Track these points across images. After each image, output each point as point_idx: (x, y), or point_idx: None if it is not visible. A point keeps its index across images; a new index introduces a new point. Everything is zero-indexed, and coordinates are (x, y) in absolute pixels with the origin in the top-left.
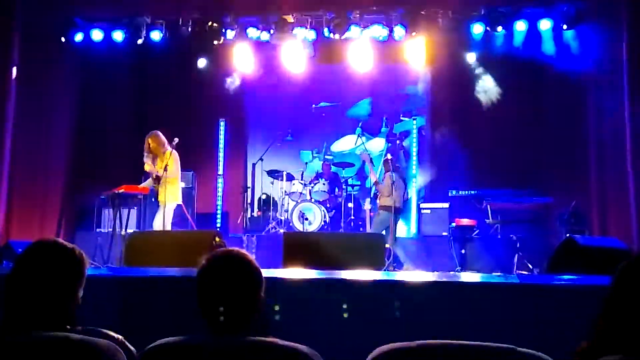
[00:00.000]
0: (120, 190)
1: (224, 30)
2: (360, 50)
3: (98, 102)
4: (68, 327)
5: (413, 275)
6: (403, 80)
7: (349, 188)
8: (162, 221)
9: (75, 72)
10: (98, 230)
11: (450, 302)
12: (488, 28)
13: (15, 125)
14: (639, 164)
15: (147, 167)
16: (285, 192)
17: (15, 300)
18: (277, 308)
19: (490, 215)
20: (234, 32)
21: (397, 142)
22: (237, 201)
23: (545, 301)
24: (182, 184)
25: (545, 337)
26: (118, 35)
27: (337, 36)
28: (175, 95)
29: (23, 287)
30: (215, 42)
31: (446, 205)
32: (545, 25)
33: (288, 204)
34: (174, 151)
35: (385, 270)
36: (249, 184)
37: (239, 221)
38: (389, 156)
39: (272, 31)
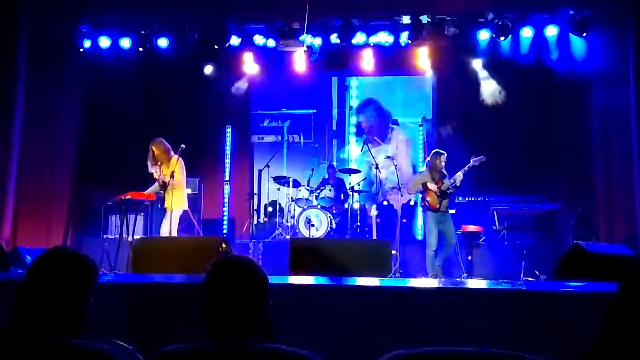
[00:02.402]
0: (127, 197)
1: (230, 37)
2: (366, 56)
3: (105, 109)
4: (79, 335)
5: (419, 281)
6: (409, 86)
7: (355, 194)
8: (169, 227)
9: (83, 79)
10: (105, 236)
11: (457, 309)
12: (494, 34)
13: (22, 131)
14: None
15: (156, 174)
16: (292, 198)
17: (27, 307)
18: (282, 314)
19: (496, 221)
20: (240, 39)
21: (399, 148)
22: (243, 207)
23: (553, 308)
24: (189, 190)
25: (553, 343)
26: (125, 42)
27: (343, 42)
28: (181, 102)
29: (35, 295)
30: (222, 49)
31: (452, 211)
32: (551, 31)
33: (294, 210)
34: (180, 158)
35: (391, 276)
36: (255, 190)
37: (245, 227)
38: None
39: (278, 38)
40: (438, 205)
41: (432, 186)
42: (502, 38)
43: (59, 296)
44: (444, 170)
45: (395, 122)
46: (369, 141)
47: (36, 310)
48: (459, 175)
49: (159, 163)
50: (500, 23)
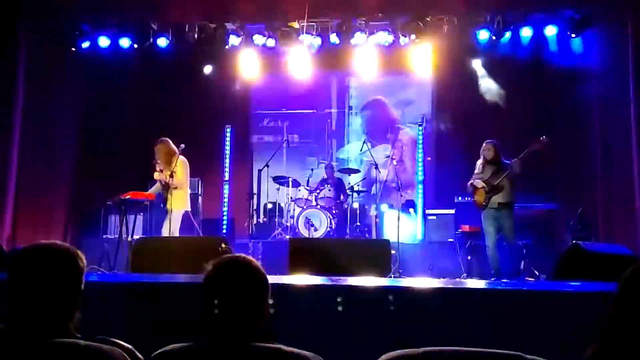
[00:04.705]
0: (127, 197)
1: (229, 37)
2: (366, 56)
3: (104, 109)
4: (79, 335)
5: (419, 281)
6: (409, 86)
7: (355, 194)
8: (169, 228)
9: (82, 78)
10: (105, 236)
11: (456, 309)
12: (493, 35)
13: (22, 132)
14: None
15: (157, 175)
16: (291, 198)
17: (15, 307)
18: (282, 314)
19: None
20: (239, 39)
21: (403, 148)
22: (243, 207)
23: (552, 308)
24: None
25: (552, 343)
26: (125, 42)
27: (342, 42)
28: (181, 102)
29: (18, 294)
30: (221, 49)
31: (452, 211)
32: (550, 31)
33: (294, 210)
34: (183, 158)
35: (390, 276)
36: (255, 190)
37: (245, 227)
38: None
39: (277, 38)
40: (485, 202)
41: (478, 183)
42: (505, 34)
43: (40, 291)
44: (502, 159)
45: (395, 124)
46: (369, 141)
47: (23, 309)
48: (516, 162)
49: (163, 163)
50: (499, 23)
